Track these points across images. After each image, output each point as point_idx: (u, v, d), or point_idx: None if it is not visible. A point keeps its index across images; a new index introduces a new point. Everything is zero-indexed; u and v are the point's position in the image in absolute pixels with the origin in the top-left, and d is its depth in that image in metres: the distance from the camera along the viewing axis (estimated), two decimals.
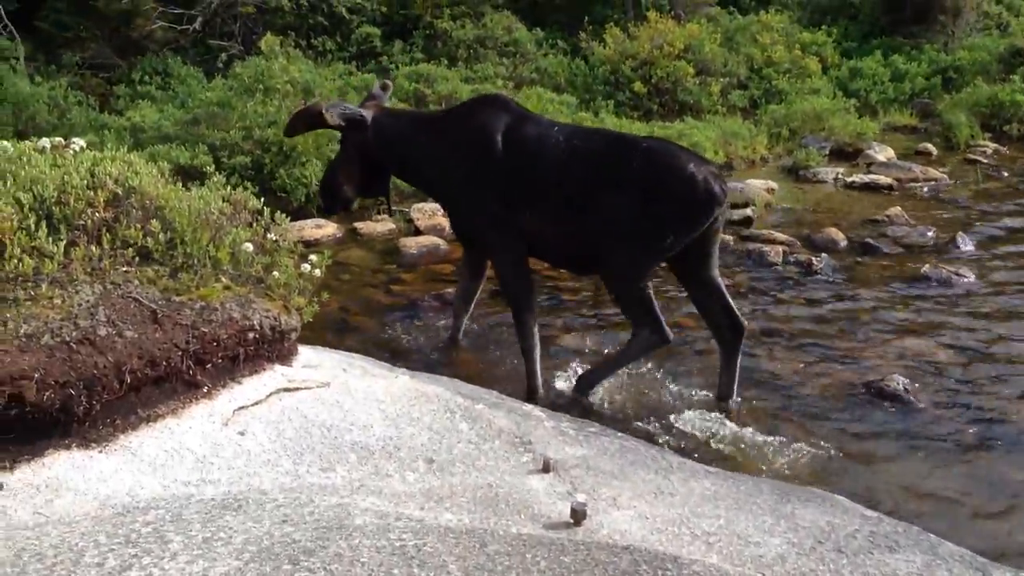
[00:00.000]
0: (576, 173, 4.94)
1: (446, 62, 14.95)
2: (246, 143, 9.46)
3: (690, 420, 4.91)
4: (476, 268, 5.88)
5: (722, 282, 5.26)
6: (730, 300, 5.24)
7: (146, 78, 13.52)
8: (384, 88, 6.01)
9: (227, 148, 9.38)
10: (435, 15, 17.01)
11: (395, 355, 5.70)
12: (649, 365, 5.66)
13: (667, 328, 5.01)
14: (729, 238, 8.58)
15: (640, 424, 4.82)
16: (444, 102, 13.06)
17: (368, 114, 5.47)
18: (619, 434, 4.09)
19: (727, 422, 4.89)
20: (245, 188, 4.51)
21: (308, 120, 5.53)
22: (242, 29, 15.76)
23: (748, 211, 9.60)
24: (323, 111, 5.33)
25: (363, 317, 6.61)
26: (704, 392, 5.31)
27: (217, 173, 8.07)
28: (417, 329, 6.38)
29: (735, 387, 5.25)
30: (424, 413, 3.83)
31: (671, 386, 5.37)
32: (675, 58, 14.27)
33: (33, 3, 15.58)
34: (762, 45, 15.99)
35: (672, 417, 4.95)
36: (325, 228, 8.78)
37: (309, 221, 8.75)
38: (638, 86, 13.97)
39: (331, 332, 6.16)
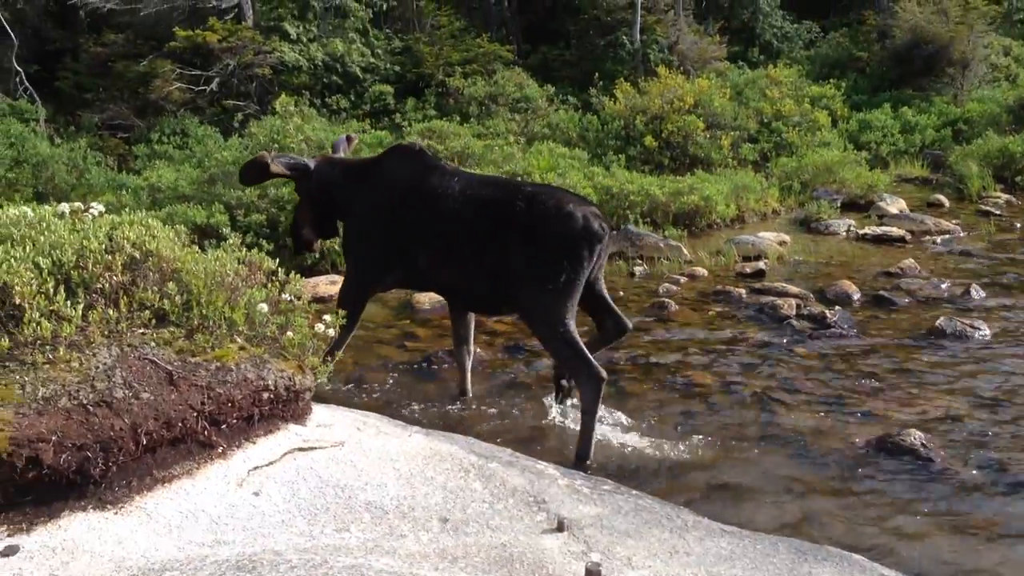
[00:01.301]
0: (468, 219, 5.30)
1: (458, 118, 15.17)
2: (262, 201, 9.60)
3: (703, 477, 4.88)
4: (461, 314, 6.01)
5: (607, 293, 5.58)
6: (616, 308, 5.57)
7: (164, 138, 13.77)
8: (348, 140, 6.60)
9: (243, 207, 9.51)
10: (447, 73, 17.32)
11: (409, 412, 5.71)
12: (662, 422, 5.65)
13: (596, 365, 5.06)
14: (742, 291, 8.59)
15: (654, 481, 4.79)
16: (456, 158, 13.23)
17: (312, 163, 5.95)
18: (633, 492, 4.07)
19: (741, 478, 4.86)
20: (260, 247, 4.58)
21: (256, 170, 5.83)
22: (258, 89, 16.07)
23: (760, 264, 9.63)
24: (268, 162, 5.73)
25: (377, 373, 6.63)
26: (720, 450, 5.29)
27: (233, 233, 8.24)
28: (432, 385, 6.39)
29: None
30: (438, 472, 3.83)
31: (684, 444, 5.35)
32: (685, 112, 14.42)
33: (53, 65, 15.95)
34: (771, 99, 16.16)
35: (685, 474, 4.93)
36: (339, 284, 8.83)
37: (323, 277, 8.82)
38: (649, 140, 14.10)
39: (345, 389, 6.18)
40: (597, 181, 12.24)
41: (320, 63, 16.38)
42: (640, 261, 10.09)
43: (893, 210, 12.36)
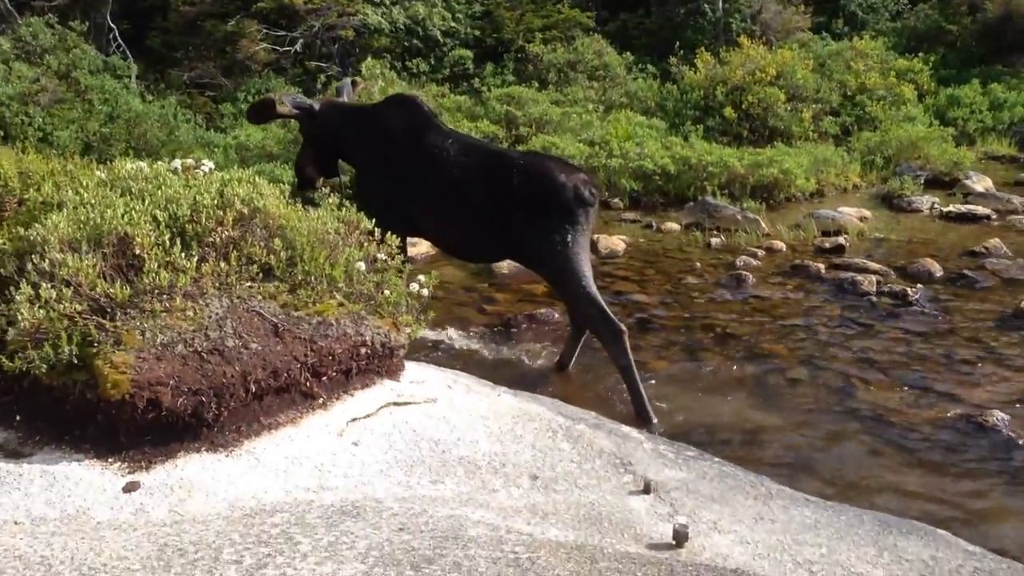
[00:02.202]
0: (463, 186, 5.62)
1: (536, 85, 15.16)
2: (347, 163, 9.75)
3: (783, 448, 4.93)
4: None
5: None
6: None
7: (250, 97, 14.03)
8: (354, 84, 7.07)
9: (349, 172, 9.68)
10: (527, 39, 17.29)
11: (489, 373, 5.84)
12: (739, 392, 5.71)
13: (614, 320, 5.39)
14: (821, 266, 8.53)
15: (736, 450, 4.86)
16: (534, 124, 13.27)
17: (316, 105, 6.30)
18: (716, 459, 4.14)
19: (822, 451, 4.90)
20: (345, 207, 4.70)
21: (265, 109, 6.22)
22: (340, 51, 16.27)
23: (840, 239, 9.52)
24: (276, 101, 6.16)
25: (457, 335, 6.77)
26: (800, 423, 5.32)
27: (317, 193, 8.44)
28: (511, 347, 6.52)
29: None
30: (527, 431, 3.95)
31: (763, 415, 5.40)
32: (767, 84, 14.21)
33: (144, 24, 16.35)
34: (856, 71, 15.81)
35: (765, 444, 4.99)
36: (418, 246, 8.99)
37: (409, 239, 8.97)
38: (728, 112, 13.96)
39: (426, 349, 6.34)
40: (675, 151, 12.18)
41: (401, 26, 16.50)
42: (717, 233, 10.06)
43: (979, 188, 12.07)
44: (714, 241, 9.74)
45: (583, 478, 3.63)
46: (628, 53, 17.39)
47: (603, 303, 5.43)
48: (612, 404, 5.44)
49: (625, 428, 4.30)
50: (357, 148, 6.22)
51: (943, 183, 12.54)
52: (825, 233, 9.91)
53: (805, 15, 19.17)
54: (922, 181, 12.35)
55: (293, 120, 7.30)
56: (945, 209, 11.12)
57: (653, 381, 5.83)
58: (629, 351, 5.33)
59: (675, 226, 10.45)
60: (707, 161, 11.59)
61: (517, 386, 5.25)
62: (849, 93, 15.56)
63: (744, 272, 8.42)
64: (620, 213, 11.30)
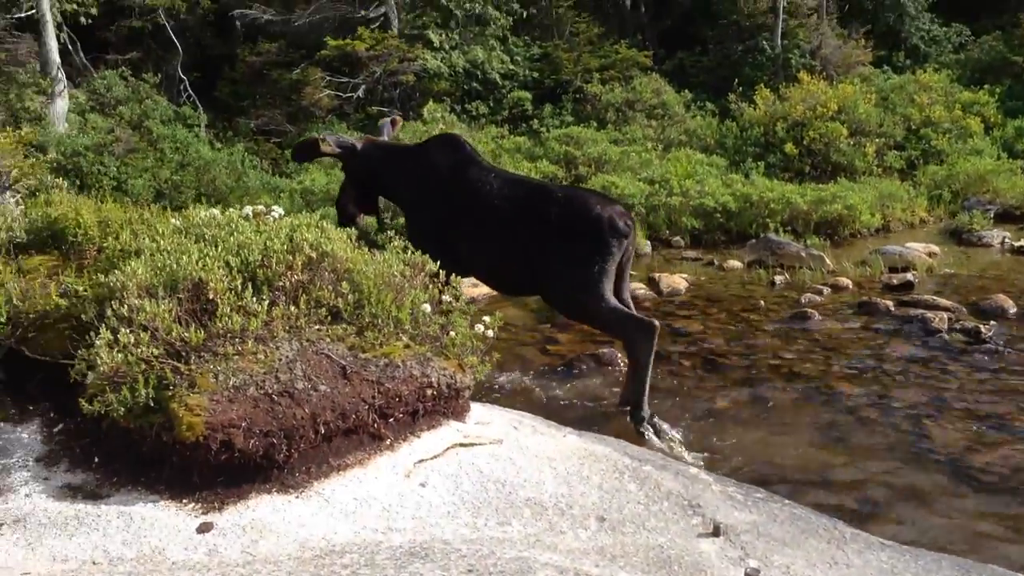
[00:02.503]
0: (506, 217, 5.76)
1: (595, 124, 15.26)
2: None
3: (854, 490, 4.82)
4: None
5: (630, 296, 6.10)
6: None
7: None
8: (393, 123, 7.20)
9: (390, 209, 9.83)
10: (585, 79, 17.43)
11: (553, 414, 5.82)
12: (807, 432, 5.61)
13: (645, 317, 5.67)
14: (889, 303, 8.38)
15: (806, 492, 4.77)
16: (593, 164, 13.33)
17: (359, 144, 6.50)
18: (786, 501, 4.07)
19: (895, 493, 4.79)
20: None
21: (309, 148, 6.44)
22: (401, 95, 16.57)
23: (908, 276, 9.35)
24: (320, 140, 6.35)
25: (520, 375, 6.78)
26: (871, 463, 5.21)
27: (381, 234, 8.56)
28: (574, 388, 6.50)
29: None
30: (593, 472, 3.94)
31: (831, 455, 5.29)
32: (828, 119, 14.12)
33: (213, 74, 16.87)
34: (920, 105, 15.63)
35: (836, 486, 4.89)
36: (480, 287, 9.05)
37: (466, 280, 9.03)
38: (789, 147, 13.87)
39: (491, 390, 6.36)
40: (736, 188, 12.13)
41: (461, 70, 16.76)
42: (780, 270, 9.96)
43: None
44: (777, 278, 9.64)
45: (651, 520, 3.60)
46: (686, 91, 17.43)
47: (622, 307, 5.67)
48: (680, 444, 5.38)
49: (693, 469, 4.26)
50: (400, 186, 6.38)
51: (1014, 217, 12.29)
52: (892, 269, 9.74)
53: (866, 49, 19.04)
54: (992, 215, 12.11)
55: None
56: (1017, 244, 10.88)
57: (712, 420, 5.76)
58: (653, 352, 5.58)
59: (737, 264, 10.37)
60: (769, 198, 11.52)
61: (582, 427, 5.24)
62: (913, 127, 15.37)
63: (809, 309, 8.30)
64: (681, 251, 11.26)
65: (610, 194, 10.62)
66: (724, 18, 19.93)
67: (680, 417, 5.66)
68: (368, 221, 8.02)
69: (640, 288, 9.24)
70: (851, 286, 9.31)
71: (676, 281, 9.47)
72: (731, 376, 6.73)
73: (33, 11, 13.32)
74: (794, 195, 11.57)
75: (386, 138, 6.89)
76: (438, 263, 5.46)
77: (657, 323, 5.60)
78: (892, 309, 8.29)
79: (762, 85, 16.11)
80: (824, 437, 5.58)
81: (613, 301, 5.64)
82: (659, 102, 16.62)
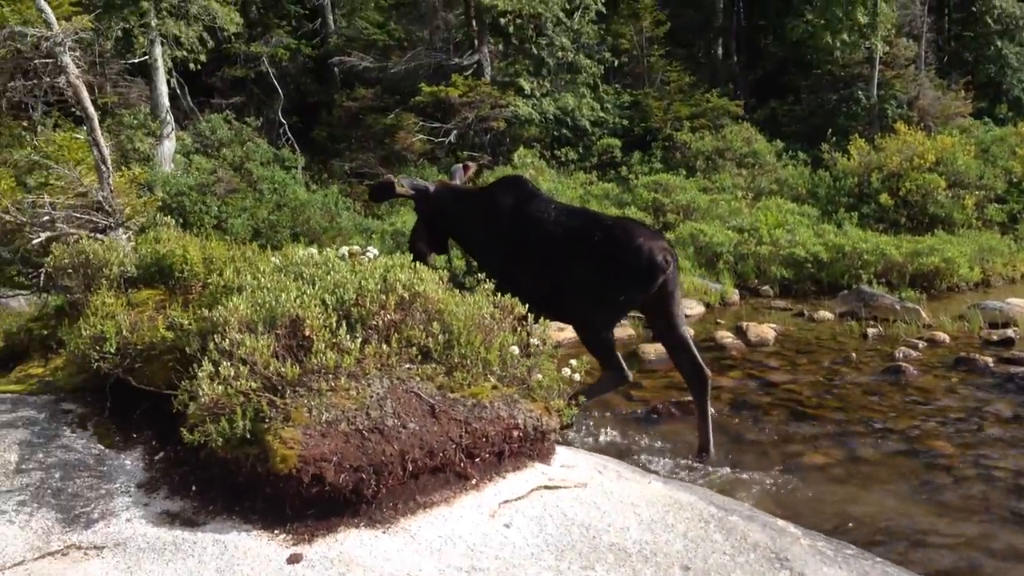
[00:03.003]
0: (559, 242, 5.93)
1: (684, 172, 15.24)
2: None
3: (951, 551, 4.66)
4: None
5: (689, 338, 6.19)
6: (696, 354, 6.04)
7: None
8: (465, 168, 7.30)
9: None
10: (675, 127, 17.46)
11: (636, 460, 5.80)
12: (901, 489, 5.45)
13: (626, 369, 5.97)
14: (988, 359, 8.12)
15: (900, 550, 4.63)
16: (682, 211, 13.31)
17: (432, 186, 6.70)
18: (879, 559, 3.96)
19: (993, 556, 4.61)
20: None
21: (385, 189, 6.58)
22: (491, 141, 16.84)
23: (1009, 332, 9.05)
24: (395, 182, 6.51)
25: (604, 420, 6.77)
26: (968, 525, 5.03)
27: (469, 276, 8.69)
28: (658, 434, 6.46)
29: (711, 437, 5.99)
30: (678, 520, 3.90)
31: (926, 515, 5.13)
32: (925, 170, 13.83)
33: (311, 119, 17.46)
34: (1022, 157, 15.18)
35: (931, 546, 4.73)
36: (566, 331, 9.08)
37: (553, 324, 9.08)
38: (884, 198, 13.63)
39: (575, 433, 6.36)
40: (828, 239, 11.96)
41: (551, 116, 16.97)
42: (874, 322, 9.75)
43: None
44: (870, 331, 9.43)
45: (737, 572, 3.55)
46: (778, 140, 17.29)
47: (618, 355, 6.00)
48: (766, 496, 5.29)
49: (781, 522, 4.18)
50: (469, 227, 6.55)
51: None
52: (992, 325, 9.45)
53: (966, 100, 18.65)
54: None
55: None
56: None
57: (801, 472, 5.65)
58: (609, 391, 6.27)
59: (828, 315, 10.19)
60: (862, 249, 11.32)
61: (665, 473, 5.21)
62: (1015, 179, 14.95)
63: (904, 364, 8.10)
64: (770, 301, 11.12)
65: (699, 240, 10.61)
66: (819, 68, 19.78)
67: (768, 468, 5.56)
68: (457, 264, 8.15)
69: (728, 337, 9.15)
70: (948, 341, 9.05)
71: (765, 331, 9.35)
72: (821, 429, 6.59)
73: (146, 57, 14.00)
74: (889, 247, 11.34)
75: (458, 182, 7.07)
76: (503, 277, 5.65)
77: (630, 378, 6.04)
78: (992, 366, 8.03)
79: (857, 135, 15.89)
80: (918, 495, 5.42)
81: (612, 338, 6.08)
82: (750, 151, 16.54)
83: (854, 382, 7.75)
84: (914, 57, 19.74)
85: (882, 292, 10.54)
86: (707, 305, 10.87)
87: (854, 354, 8.57)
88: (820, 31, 18.50)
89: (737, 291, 11.44)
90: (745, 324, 9.54)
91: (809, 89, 19.81)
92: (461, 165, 7.39)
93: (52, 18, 5.40)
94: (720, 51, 22.98)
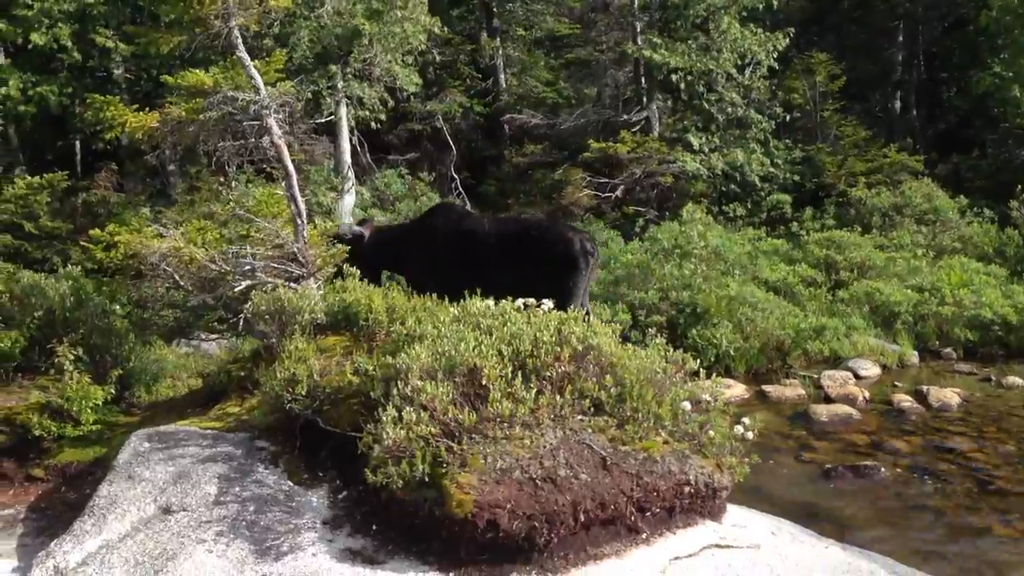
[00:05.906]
0: (497, 247, 6.79)
1: (859, 229, 14.74)
2: (662, 303, 10.03)
3: None
4: None
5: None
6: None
7: None
8: (367, 224, 8.02)
9: (645, 307, 9.99)
10: (849, 183, 16.95)
11: (811, 523, 5.61)
12: None
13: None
14: None
15: None
16: (856, 269, 12.88)
17: (366, 231, 7.48)
18: None
19: None
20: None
21: (337, 236, 7.15)
22: (657, 196, 16.85)
23: None
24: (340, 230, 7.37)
25: (776, 480, 6.60)
26: None
27: (634, 331, 8.72)
28: (832, 498, 6.25)
29: None
30: None
31: None
32: None
33: (481, 173, 18.03)
34: None
35: None
36: (732, 388, 8.93)
37: (722, 379, 8.96)
38: None
39: (745, 492, 6.22)
40: (1017, 300, 11.30)
41: (719, 172, 16.84)
42: None
43: None
44: None
45: None
46: (961, 196, 16.46)
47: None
48: (950, 568, 5.02)
49: None
50: (410, 253, 7.19)
51: None
52: None
53: None
54: None
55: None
56: None
57: (986, 545, 5.33)
58: None
59: (1019, 380, 9.58)
60: None
61: (839, 538, 5.03)
62: None
63: None
64: (952, 364, 10.59)
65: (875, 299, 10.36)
66: (1006, 121, 18.79)
67: (954, 539, 5.28)
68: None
69: (906, 400, 8.75)
70: None
71: (947, 395, 8.88)
72: (1012, 502, 6.20)
73: (332, 116, 14.85)
74: None
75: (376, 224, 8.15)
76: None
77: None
78: None
79: None
80: None
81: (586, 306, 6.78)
82: (930, 207, 15.81)
83: None
84: None
85: None
86: (883, 367, 10.41)
87: None
88: (1008, 83, 17.63)
89: (916, 353, 10.93)
90: (926, 388, 9.10)
91: (995, 143, 18.85)
92: (370, 220, 8.33)
93: (261, 84, 5.88)
94: (898, 105, 22.20)
